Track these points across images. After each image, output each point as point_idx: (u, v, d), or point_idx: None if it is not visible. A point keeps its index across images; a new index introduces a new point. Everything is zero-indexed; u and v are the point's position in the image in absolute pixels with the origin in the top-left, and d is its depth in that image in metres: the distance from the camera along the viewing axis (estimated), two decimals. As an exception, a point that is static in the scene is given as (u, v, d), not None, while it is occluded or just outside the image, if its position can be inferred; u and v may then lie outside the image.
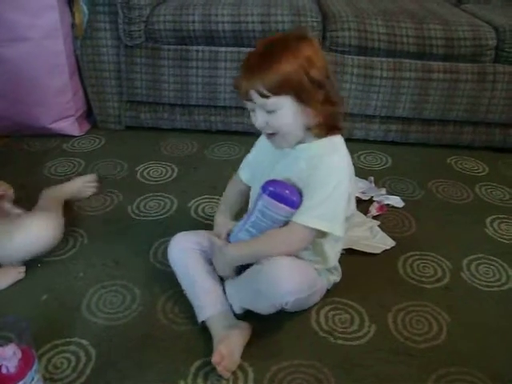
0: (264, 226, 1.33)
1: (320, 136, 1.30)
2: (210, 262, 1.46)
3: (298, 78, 1.19)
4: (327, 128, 1.29)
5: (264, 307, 1.35)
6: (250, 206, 1.46)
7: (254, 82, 1.20)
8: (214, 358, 1.25)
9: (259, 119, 1.25)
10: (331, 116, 1.27)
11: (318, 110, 1.24)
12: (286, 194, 1.29)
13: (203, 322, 1.38)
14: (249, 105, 1.26)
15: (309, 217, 1.27)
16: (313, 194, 1.27)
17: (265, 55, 1.21)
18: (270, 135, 1.29)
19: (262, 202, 1.32)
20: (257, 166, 1.47)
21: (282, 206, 1.29)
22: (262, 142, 1.47)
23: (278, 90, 1.19)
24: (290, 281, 1.28)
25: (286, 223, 1.31)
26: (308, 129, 1.28)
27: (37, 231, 1.61)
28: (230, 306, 1.41)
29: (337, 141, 1.33)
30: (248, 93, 1.22)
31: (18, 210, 1.71)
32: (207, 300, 1.40)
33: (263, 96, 1.20)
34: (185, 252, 1.48)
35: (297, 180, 1.30)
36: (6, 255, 1.57)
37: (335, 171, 1.28)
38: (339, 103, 1.28)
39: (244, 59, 1.25)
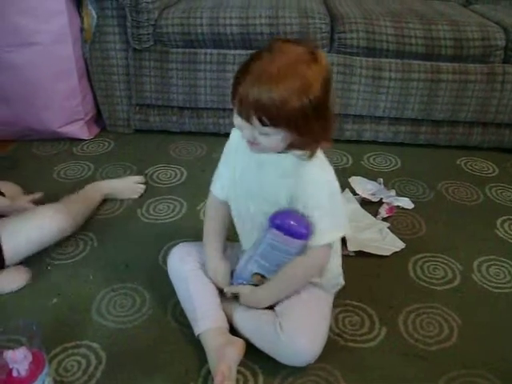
0: (276, 257, 1.30)
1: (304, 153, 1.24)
2: (208, 276, 1.43)
3: (301, 110, 1.11)
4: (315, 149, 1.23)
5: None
6: (239, 227, 1.43)
7: (258, 108, 1.11)
8: (218, 378, 1.22)
9: (247, 134, 1.18)
10: (321, 145, 1.22)
11: (310, 141, 1.18)
12: (294, 228, 1.24)
13: (199, 335, 1.36)
14: (240, 117, 1.17)
15: (321, 235, 1.25)
16: (314, 213, 1.24)
17: (277, 80, 1.09)
18: (253, 144, 1.21)
19: (270, 235, 1.27)
20: (231, 178, 1.40)
21: (292, 239, 1.25)
22: (229, 153, 1.41)
23: (279, 122, 1.13)
24: (311, 351, 1.29)
25: (295, 254, 1.28)
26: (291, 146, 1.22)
27: (41, 221, 1.62)
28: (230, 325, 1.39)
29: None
30: (249, 115, 1.13)
31: (18, 203, 1.74)
32: (201, 314, 1.37)
33: (263, 124, 1.13)
34: (184, 264, 1.45)
35: (279, 191, 1.27)
36: (16, 248, 1.58)
37: (324, 183, 1.25)
38: (332, 131, 1.22)
39: (251, 66, 1.13)
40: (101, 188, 1.97)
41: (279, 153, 1.23)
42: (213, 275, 1.43)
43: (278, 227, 1.25)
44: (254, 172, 1.30)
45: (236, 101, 1.13)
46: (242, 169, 1.34)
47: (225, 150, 1.42)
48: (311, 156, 1.21)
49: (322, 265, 1.35)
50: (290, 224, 1.24)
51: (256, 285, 1.37)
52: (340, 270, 1.47)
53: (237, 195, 1.38)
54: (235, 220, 1.44)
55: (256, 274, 1.35)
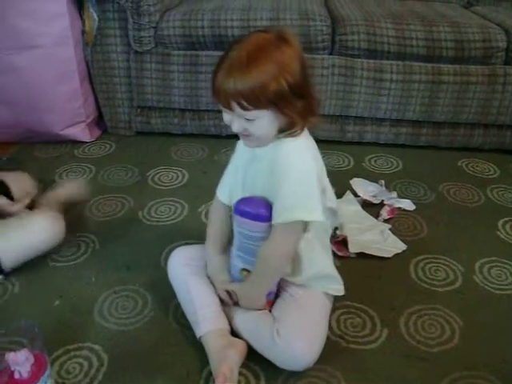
0: (248, 246, 1.33)
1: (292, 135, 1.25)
2: (208, 279, 1.44)
3: (280, 92, 1.13)
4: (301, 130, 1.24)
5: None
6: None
7: (235, 95, 1.14)
8: (219, 380, 1.22)
9: (236, 126, 1.21)
10: (308, 121, 1.23)
11: (296, 119, 1.19)
12: (253, 210, 1.27)
13: (200, 337, 1.36)
14: (225, 111, 1.22)
15: (281, 212, 1.23)
16: (279, 192, 1.23)
17: (247, 65, 1.13)
18: (245, 136, 1.25)
19: (235, 223, 1.33)
20: (233, 182, 1.41)
21: (254, 222, 1.27)
22: (234, 162, 1.43)
23: (260, 104, 1.15)
24: (308, 356, 1.29)
25: (264, 238, 1.29)
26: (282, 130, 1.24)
27: (38, 228, 1.63)
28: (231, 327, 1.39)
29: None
30: (229, 102, 1.16)
31: (14, 208, 1.72)
32: (202, 316, 1.36)
33: (244, 108, 1.15)
34: (184, 267, 1.45)
35: (265, 182, 1.27)
36: (7, 254, 1.58)
37: (293, 163, 1.23)
38: (317, 107, 1.24)
39: (223, 60, 1.18)
40: (58, 198, 1.89)
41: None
42: (212, 276, 1.43)
43: (240, 213, 1.29)
44: (248, 167, 1.32)
45: (215, 94, 1.19)
46: (240, 168, 1.36)
47: (232, 156, 1.44)
48: (298, 134, 1.23)
49: (291, 246, 1.29)
50: (250, 207, 1.28)
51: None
52: (331, 271, 1.42)
53: (237, 194, 1.38)
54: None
55: (243, 269, 1.37)
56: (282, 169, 1.23)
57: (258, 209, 1.27)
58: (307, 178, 1.23)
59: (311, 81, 1.22)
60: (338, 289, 1.43)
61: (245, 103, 1.14)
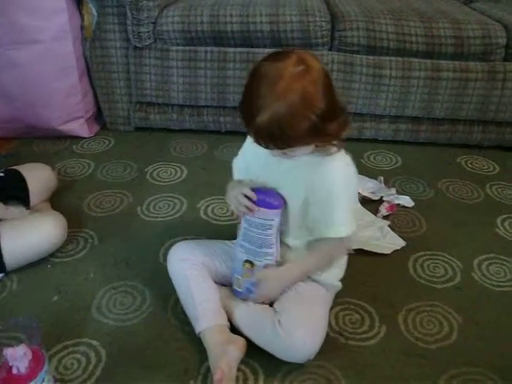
0: (253, 235, 1.34)
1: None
2: (208, 275, 1.44)
3: (312, 127, 1.11)
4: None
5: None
6: None
7: (271, 141, 1.14)
8: (217, 376, 1.22)
9: (277, 153, 1.21)
10: (341, 133, 1.22)
11: (333, 140, 1.20)
12: (265, 198, 1.31)
13: (199, 333, 1.36)
14: None
15: (342, 228, 1.28)
16: (333, 208, 1.27)
17: (275, 110, 1.08)
18: (283, 155, 1.23)
19: None
20: (247, 171, 1.43)
21: (264, 209, 1.31)
22: (248, 146, 1.41)
23: (296, 143, 1.15)
24: (310, 346, 1.29)
25: (272, 227, 1.32)
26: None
27: (46, 231, 1.64)
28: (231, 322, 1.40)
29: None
30: (266, 145, 1.16)
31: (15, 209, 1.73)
32: (202, 312, 1.36)
33: (282, 148, 1.17)
34: (184, 262, 1.45)
35: (302, 190, 1.29)
36: (15, 255, 1.58)
37: (345, 178, 1.27)
38: (348, 119, 1.23)
39: (248, 100, 1.13)
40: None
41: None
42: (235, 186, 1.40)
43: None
44: (272, 173, 1.33)
45: (252, 134, 1.16)
46: (258, 172, 1.37)
47: (245, 144, 1.43)
48: (335, 149, 1.23)
49: (342, 255, 1.42)
50: (262, 195, 1.31)
51: (247, 276, 1.38)
52: (341, 275, 1.48)
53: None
54: None
55: (246, 261, 1.37)
56: (334, 188, 1.25)
57: (270, 197, 1.31)
58: (354, 194, 1.32)
59: (336, 94, 1.18)
60: (339, 285, 1.48)
61: (281, 145, 1.15)
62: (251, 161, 1.40)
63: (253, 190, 1.32)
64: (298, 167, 1.28)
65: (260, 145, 1.16)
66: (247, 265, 1.38)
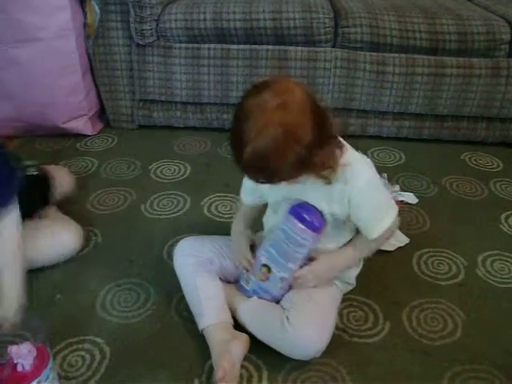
0: (285, 248, 1.32)
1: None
2: (214, 271, 1.45)
3: (300, 158, 1.09)
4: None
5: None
6: (265, 227, 1.47)
7: (261, 178, 1.17)
8: (219, 375, 1.22)
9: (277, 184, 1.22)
10: (336, 159, 1.20)
11: (327, 164, 1.17)
12: (309, 218, 1.29)
13: (203, 330, 1.36)
14: None
15: (380, 224, 1.30)
16: (366, 214, 1.29)
17: (259, 150, 1.07)
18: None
19: (285, 220, 1.32)
20: (254, 192, 1.43)
21: (304, 228, 1.29)
22: None
23: (287, 175, 1.15)
24: (318, 343, 1.29)
25: (306, 247, 1.31)
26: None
27: (67, 240, 1.66)
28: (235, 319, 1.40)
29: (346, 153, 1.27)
30: (259, 182, 1.20)
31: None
32: (207, 309, 1.37)
33: (275, 183, 1.18)
34: (190, 258, 1.45)
35: (328, 201, 1.28)
36: (32, 257, 1.57)
37: (367, 178, 1.27)
38: (339, 141, 1.22)
39: (234, 139, 1.13)
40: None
41: None
42: (234, 248, 1.45)
43: (297, 216, 1.29)
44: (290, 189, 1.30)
45: (241, 170, 1.16)
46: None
47: None
48: (334, 171, 1.20)
49: (386, 240, 1.41)
50: (306, 214, 1.29)
51: (262, 280, 1.38)
52: (355, 274, 1.49)
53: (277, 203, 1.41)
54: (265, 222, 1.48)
55: (263, 265, 1.37)
56: (358, 192, 1.24)
57: (313, 219, 1.29)
58: (379, 185, 1.32)
59: (326, 113, 1.15)
60: (353, 283, 1.50)
61: (270, 179, 1.16)
62: (263, 188, 1.40)
63: (301, 204, 1.30)
64: (309, 184, 1.26)
65: (252, 179, 1.18)
66: (264, 269, 1.37)
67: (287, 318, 1.29)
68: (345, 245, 1.39)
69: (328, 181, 1.20)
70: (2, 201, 1.37)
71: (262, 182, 1.19)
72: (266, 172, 1.12)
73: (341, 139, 1.25)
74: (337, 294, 1.44)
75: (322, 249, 1.37)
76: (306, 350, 1.29)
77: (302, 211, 1.29)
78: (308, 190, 1.28)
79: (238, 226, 1.51)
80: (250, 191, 1.45)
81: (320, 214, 1.29)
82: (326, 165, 1.16)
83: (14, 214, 1.41)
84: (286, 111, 1.08)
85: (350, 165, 1.23)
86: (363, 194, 1.25)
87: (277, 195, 1.36)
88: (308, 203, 1.30)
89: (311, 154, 1.10)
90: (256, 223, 1.52)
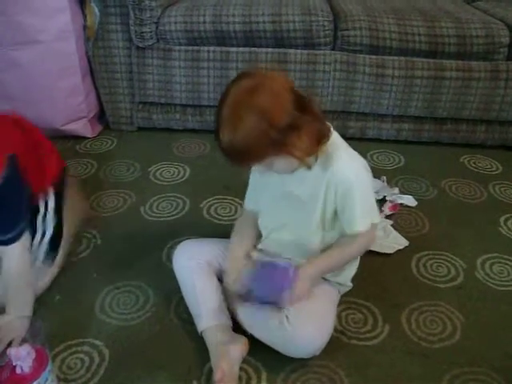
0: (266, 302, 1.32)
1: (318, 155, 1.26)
2: (213, 273, 1.44)
3: (280, 143, 1.12)
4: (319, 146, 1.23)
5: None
6: (264, 230, 1.46)
7: (240, 161, 1.21)
8: (217, 376, 1.23)
9: (258, 169, 1.27)
10: (320, 139, 1.22)
11: (304, 149, 1.18)
12: (272, 297, 1.29)
13: (202, 332, 1.36)
14: None
15: (364, 220, 1.29)
16: (351, 204, 1.27)
17: (234, 131, 1.13)
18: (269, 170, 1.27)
19: (253, 280, 1.31)
20: (261, 190, 1.43)
21: (274, 296, 1.29)
22: (254, 177, 1.45)
23: (263, 158, 1.17)
24: (317, 340, 1.30)
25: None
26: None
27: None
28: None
29: (331, 143, 1.28)
30: (239, 164, 1.22)
31: None
32: (206, 310, 1.37)
33: (252, 165, 1.24)
34: (190, 261, 1.45)
35: (314, 194, 1.29)
36: None
37: (353, 173, 1.27)
38: (322, 121, 1.22)
39: (217, 123, 1.20)
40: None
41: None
42: (228, 271, 1.42)
43: (261, 290, 1.30)
44: (285, 184, 1.33)
45: (222, 154, 1.21)
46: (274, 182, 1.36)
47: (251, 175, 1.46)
48: (316, 156, 1.24)
49: (367, 247, 1.40)
50: (270, 293, 1.29)
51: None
52: (351, 275, 1.48)
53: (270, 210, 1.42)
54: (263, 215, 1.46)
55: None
56: (346, 186, 1.25)
57: (277, 295, 1.28)
58: (369, 191, 1.32)
59: (309, 104, 1.17)
60: (350, 285, 1.50)
61: (251, 163, 1.21)
62: (261, 188, 1.42)
63: (263, 281, 1.30)
64: (306, 179, 1.29)
65: (233, 163, 1.20)
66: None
67: (286, 317, 1.29)
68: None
69: (307, 165, 1.22)
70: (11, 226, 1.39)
71: (242, 166, 1.23)
72: (241, 154, 1.16)
73: (330, 128, 1.26)
74: (334, 295, 1.44)
75: (307, 248, 1.38)
76: (305, 349, 1.30)
77: (263, 293, 1.29)
78: (300, 186, 1.31)
79: (237, 249, 1.45)
80: (253, 195, 1.46)
81: (282, 269, 1.29)
82: (302, 148, 1.17)
83: (24, 238, 1.41)
84: (258, 94, 1.12)
85: (339, 155, 1.26)
86: (351, 182, 1.25)
87: (272, 196, 1.38)
88: (271, 264, 1.31)
89: (288, 137, 1.13)
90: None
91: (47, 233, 1.58)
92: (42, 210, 1.58)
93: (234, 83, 1.17)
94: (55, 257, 1.61)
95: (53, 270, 1.59)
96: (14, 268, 1.40)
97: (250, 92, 1.12)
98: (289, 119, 1.12)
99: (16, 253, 1.40)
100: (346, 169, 1.26)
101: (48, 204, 1.59)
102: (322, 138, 1.21)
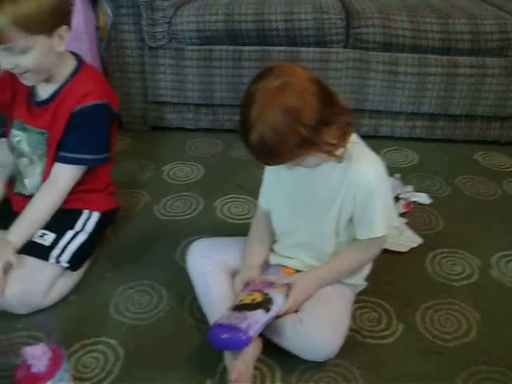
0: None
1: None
2: (227, 272, 1.44)
3: (304, 139, 1.11)
4: (347, 138, 1.23)
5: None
6: (278, 231, 1.45)
7: (269, 160, 1.20)
8: (233, 376, 1.22)
9: (288, 166, 1.24)
10: (348, 131, 1.21)
11: (334, 143, 1.18)
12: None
13: None
14: None
15: (381, 227, 1.29)
16: (372, 208, 1.27)
17: (263, 129, 1.10)
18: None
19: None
20: (275, 189, 1.43)
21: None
22: (268, 174, 1.45)
23: (296, 157, 1.17)
24: (331, 344, 1.29)
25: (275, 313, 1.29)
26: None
27: None
28: None
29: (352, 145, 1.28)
30: (267, 164, 1.27)
31: None
32: (220, 309, 1.34)
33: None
34: (204, 259, 1.45)
35: (333, 197, 1.30)
36: None
37: (375, 176, 1.27)
38: (347, 113, 1.22)
39: (240, 126, 1.16)
40: None
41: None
42: (240, 277, 1.41)
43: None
44: (300, 183, 1.33)
45: (250, 154, 1.19)
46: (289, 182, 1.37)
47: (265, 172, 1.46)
48: (343, 150, 1.23)
49: (376, 254, 1.39)
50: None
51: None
52: (365, 274, 1.48)
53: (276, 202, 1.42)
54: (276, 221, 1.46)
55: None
56: (367, 190, 1.25)
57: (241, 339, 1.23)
58: (388, 194, 1.32)
59: (334, 95, 1.19)
60: (364, 284, 1.50)
61: (278, 160, 1.18)
62: (275, 186, 1.42)
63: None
64: (327, 178, 1.29)
65: (261, 161, 1.21)
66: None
67: (300, 319, 1.28)
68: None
69: (338, 159, 1.22)
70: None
71: (271, 164, 1.22)
72: (272, 154, 1.14)
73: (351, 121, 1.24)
74: (349, 295, 1.43)
75: (321, 250, 1.38)
76: (319, 352, 1.29)
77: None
78: (318, 188, 1.31)
79: (252, 257, 1.45)
80: (268, 193, 1.46)
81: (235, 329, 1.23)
82: (332, 142, 1.17)
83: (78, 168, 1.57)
84: (285, 93, 1.11)
85: (359, 156, 1.27)
86: (372, 186, 1.25)
87: (285, 196, 1.38)
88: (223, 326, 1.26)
89: (318, 133, 1.12)
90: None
91: (81, 234, 1.59)
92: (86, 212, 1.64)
93: (258, 82, 1.15)
94: (81, 264, 1.60)
95: (75, 277, 1.59)
96: (50, 196, 1.54)
97: (277, 92, 1.11)
98: (317, 115, 1.12)
99: (67, 177, 1.56)
100: (367, 172, 1.26)
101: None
102: (349, 130, 1.21)
